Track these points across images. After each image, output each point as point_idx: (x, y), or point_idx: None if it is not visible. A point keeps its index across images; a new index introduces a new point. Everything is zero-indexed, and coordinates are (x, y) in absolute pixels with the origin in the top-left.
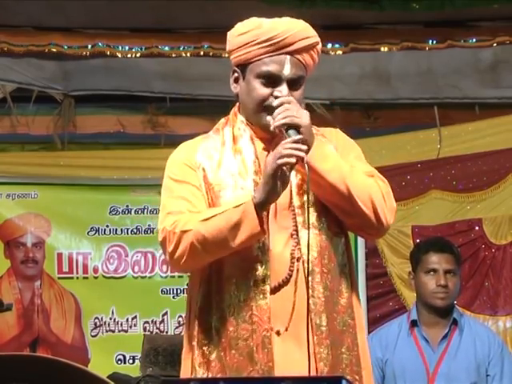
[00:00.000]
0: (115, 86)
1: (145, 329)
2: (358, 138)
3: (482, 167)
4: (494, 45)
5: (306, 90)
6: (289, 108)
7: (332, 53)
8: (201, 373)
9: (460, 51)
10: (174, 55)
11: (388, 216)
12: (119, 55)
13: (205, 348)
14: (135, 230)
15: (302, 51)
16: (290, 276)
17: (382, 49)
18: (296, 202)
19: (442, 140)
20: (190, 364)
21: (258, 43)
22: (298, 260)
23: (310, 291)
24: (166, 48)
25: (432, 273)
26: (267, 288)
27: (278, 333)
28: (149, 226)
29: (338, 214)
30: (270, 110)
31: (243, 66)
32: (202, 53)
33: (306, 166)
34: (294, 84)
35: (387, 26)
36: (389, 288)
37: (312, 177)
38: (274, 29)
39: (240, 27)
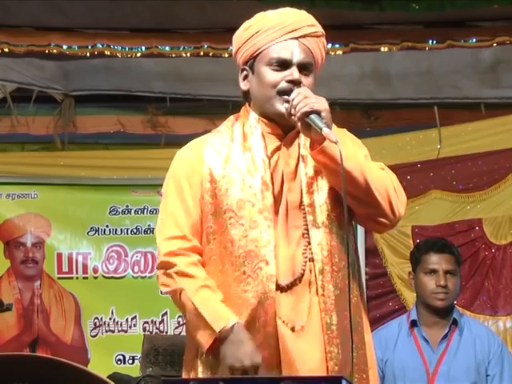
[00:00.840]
0: (115, 85)
1: (144, 329)
2: (358, 138)
3: (482, 167)
4: (494, 45)
5: None
6: (307, 95)
7: (332, 53)
8: (201, 372)
9: (460, 51)
10: (174, 55)
11: (400, 208)
12: (119, 55)
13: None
14: (135, 230)
15: (308, 37)
16: (302, 275)
17: (382, 49)
18: (306, 200)
19: (442, 140)
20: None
21: (265, 31)
22: (310, 260)
23: (321, 290)
24: (166, 48)
25: (432, 273)
26: (272, 287)
27: (293, 329)
28: (149, 226)
29: (353, 204)
30: (284, 94)
31: (252, 60)
32: (202, 53)
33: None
34: (303, 70)
35: (387, 26)
36: (389, 288)
37: (329, 164)
38: (279, 16)
39: (245, 23)
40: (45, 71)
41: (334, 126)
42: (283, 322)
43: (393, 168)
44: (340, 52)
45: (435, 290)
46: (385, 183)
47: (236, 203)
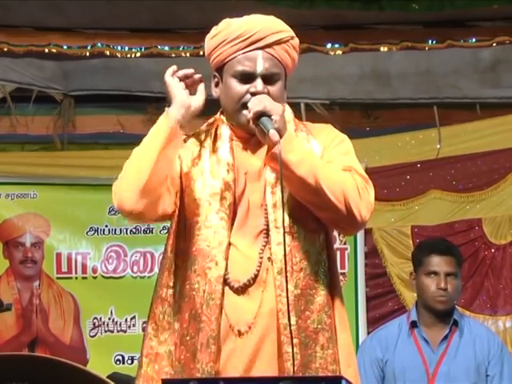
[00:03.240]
0: (115, 85)
1: (144, 329)
2: (358, 138)
3: (481, 167)
4: (494, 45)
5: (305, 89)
6: (261, 99)
7: (332, 53)
8: (146, 363)
9: (460, 51)
10: (173, 55)
11: (362, 210)
12: (119, 55)
13: (155, 339)
14: (134, 230)
15: (273, 45)
16: (256, 276)
17: (382, 49)
18: (269, 200)
19: (442, 140)
20: (140, 354)
21: (229, 42)
22: (268, 260)
23: (279, 291)
24: (166, 48)
25: (433, 275)
26: (219, 289)
27: (239, 332)
28: (148, 225)
29: (311, 209)
30: (247, 107)
31: (220, 69)
32: (201, 53)
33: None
34: (268, 79)
35: (387, 26)
36: (388, 288)
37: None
38: (243, 25)
39: (213, 30)
40: (44, 71)
41: (312, 125)
42: (230, 325)
43: (393, 168)
44: (340, 52)
45: (436, 293)
46: (343, 187)
47: (195, 202)
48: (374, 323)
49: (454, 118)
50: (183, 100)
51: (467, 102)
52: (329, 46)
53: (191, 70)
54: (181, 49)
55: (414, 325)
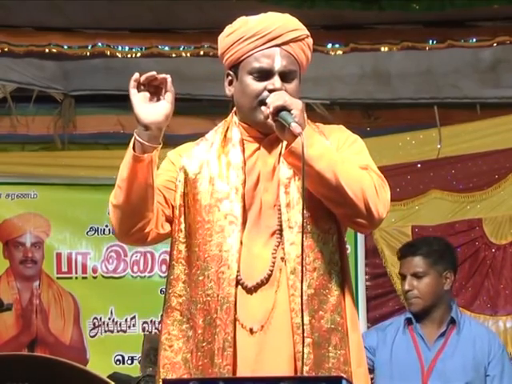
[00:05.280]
0: (115, 85)
1: (143, 329)
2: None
3: (482, 167)
4: (494, 45)
5: (306, 89)
6: (281, 95)
7: (332, 53)
8: (164, 374)
9: (460, 51)
10: (174, 55)
11: (380, 208)
12: (119, 55)
13: (169, 349)
14: None
15: (290, 43)
16: (270, 276)
17: (382, 49)
18: (283, 200)
19: (442, 140)
20: (157, 365)
21: (247, 39)
22: (281, 260)
23: (292, 290)
24: (166, 48)
25: (403, 278)
26: (232, 292)
27: (251, 330)
28: None
29: (328, 205)
30: (265, 104)
31: (235, 67)
32: (202, 53)
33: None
34: (285, 77)
35: (387, 26)
36: (389, 288)
37: (299, 165)
38: (261, 23)
39: (228, 29)
40: (45, 71)
41: (324, 126)
42: (241, 324)
43: (393, 168)
44: (340, 52)
45: (405, 296)
46: (361, 183)
47: (204, 208)
48: (374, 323)
49: (454, 117)
50: (145, 119)
51: (467, 101)
52: (329, 45)
53: (153, 73)
54: (181, 49)
55: (410, 321)
